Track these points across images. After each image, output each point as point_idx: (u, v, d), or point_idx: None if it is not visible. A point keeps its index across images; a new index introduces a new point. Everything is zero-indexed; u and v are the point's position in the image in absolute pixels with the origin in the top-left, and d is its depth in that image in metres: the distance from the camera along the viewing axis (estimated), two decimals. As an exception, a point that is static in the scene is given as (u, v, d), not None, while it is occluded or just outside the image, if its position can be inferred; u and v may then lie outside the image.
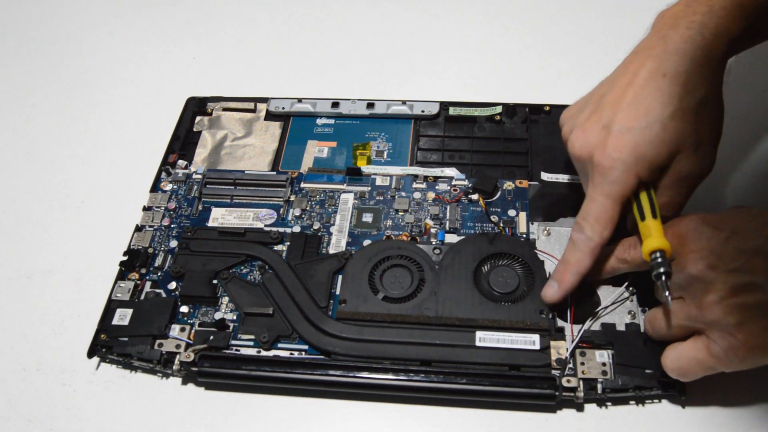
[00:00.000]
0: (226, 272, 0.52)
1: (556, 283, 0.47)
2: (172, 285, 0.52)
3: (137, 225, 0.56)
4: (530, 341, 0.47)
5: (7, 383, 0.50)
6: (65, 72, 0.74)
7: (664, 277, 0.41)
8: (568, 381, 0.45)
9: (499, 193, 0.56)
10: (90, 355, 0.49)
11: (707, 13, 0.43)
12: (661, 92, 0.42)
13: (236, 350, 0.49)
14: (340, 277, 0.51)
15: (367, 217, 0.55)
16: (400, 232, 0.54)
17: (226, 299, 0.51)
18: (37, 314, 0.54)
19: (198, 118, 0.64)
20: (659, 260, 0.41)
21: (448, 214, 0.55)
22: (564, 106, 0.61)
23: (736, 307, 0.40)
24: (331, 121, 0.63)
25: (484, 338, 0.47)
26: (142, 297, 0.52)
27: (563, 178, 0.57)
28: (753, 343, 0.40)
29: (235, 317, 0.50)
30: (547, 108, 0.62)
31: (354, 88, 0.68)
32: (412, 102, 0.63)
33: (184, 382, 0.49)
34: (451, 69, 0.70)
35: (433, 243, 0.53)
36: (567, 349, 0.47)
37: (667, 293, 0.41)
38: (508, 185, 0.56)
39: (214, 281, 0.52)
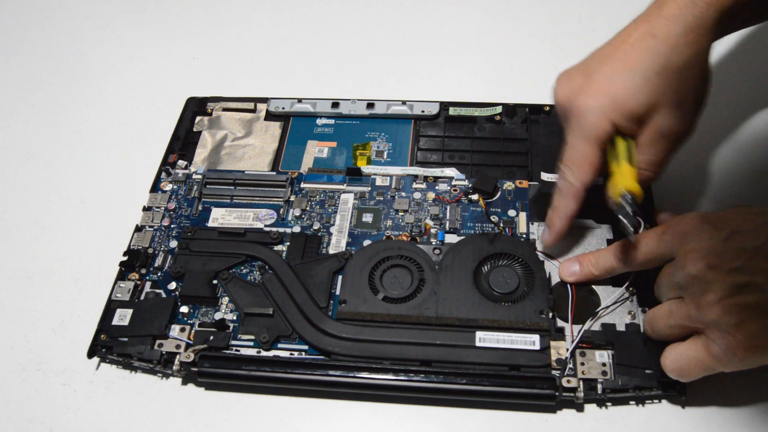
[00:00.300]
0: (226, 272, 0.52)
1: (547, 229, 0.50)
2: (172, 285, 0.52)
3: (137, 225, 0.56)
4: (530, 341, 0.47)
5: (7, 383, 0.50)
6: (65, 72, 0.74)
7: (629, 216, 0.43)
8: (568, 381, 0.45)
9: (499, 194, 0.56)
10: (90, 355, 0.49)
11: None
12: (649, 50, 0.44)
13: (236, 350, 0.49)
14: (340, 277, 0.51)
15: (367, 218, 0.55)
16: (400, 233, 0.54)
17: (226, 299, 0.51)
18: (37, 314, 0.54)
19: (198, 118, 0.64)
20: (629, 200, 0.44)
21: (448, 214, 0.55)
22: (564, 106, 0.62)
23: (735, 307, 0.40)
24: (331, 121, 0.63)
25: (484, 338, 0.47)
26: (142, 297, 0.52)
27: (563, 178, 0.56)
28: (752, 344, 0.40)
29: (235, 317, 0.50)
30: (547, 108, 0.62)
31: (354, 88, 0.68)
32: (412, 102, 0.63)
33: (184, 383, 0.49)
34: (451, 69, 0.70)
35: (433, 243, 0.53)
36: (567, 350, 0.47)
37: (631, 230, 0.44)
38: (508, 185, 0.56)
39: (214, 281, 0.52)
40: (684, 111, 0.45)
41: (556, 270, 0.51)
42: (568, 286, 0.49)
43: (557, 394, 0.45)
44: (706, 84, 0.46)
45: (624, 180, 0.44)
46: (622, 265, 0.47)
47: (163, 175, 0.60)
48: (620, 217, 0.44)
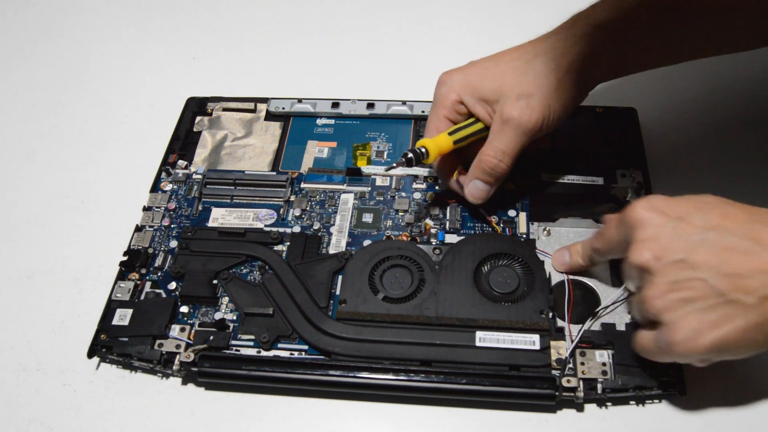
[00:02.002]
0: (226, 272, 0.52)
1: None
2: (172, 285, 0.52)
3: (137, 225, 0.56)
4: (530, 341, 0.47)
5: (7, 383, 0.50)
6: (65, 72, 0.74)
7: (410, 156, 0.49)
8: (568, 381, 0.45)
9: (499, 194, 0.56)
10: (90, 355, 0.49)
11: None
12: (518, 51, 0.50)
13: (236, 350, 0.49)
14: (340, 277, 0.51)
15: (367, 218, 0.55)
16: (400, 233, 0.54)
17: (226, 299, 0.51)
18: (37, 314, 0.54)
19: (198, 118, 0.64)
20: (421, 150, 0.49)
21: (448, 214, 0.55)
22: (564, 106, 0.62)
23: (674, 302, 0.39)
24: (331, 122, 0.63)
25: (484, 338, 0.47)
26: (142, 297, 0.52)
27: (563, 178, 0.57)
28: (697, 341, 0.38)
29: (235, 317, 0.50)
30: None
31: (354, 88, 0.68)
32: (412, 102, 0.63)
33: (184, 383, 0.49)
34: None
35: (433, 243, 0.53)
36: (567, 349, 0.47)
37: (396, 165, 0.49)
38: (508, 185, 0.56)
39: (214, 281, 0.52)
40: (529, 103, 0.48)
41: (556, 270, 0.51)
42: (565, 282, 0.49)
43: (557, 393, 0.45)
44: (560, 77, 0.49)
45: (431, 141, 0.50)
46: (595, 254, 0.47)
47: (163, 175, 0.60)
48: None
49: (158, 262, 0.54)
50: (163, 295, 0.52)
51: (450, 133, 0.51)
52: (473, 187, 0.51)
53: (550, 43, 0.50)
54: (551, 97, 0.49)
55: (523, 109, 0.48)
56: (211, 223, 0.56)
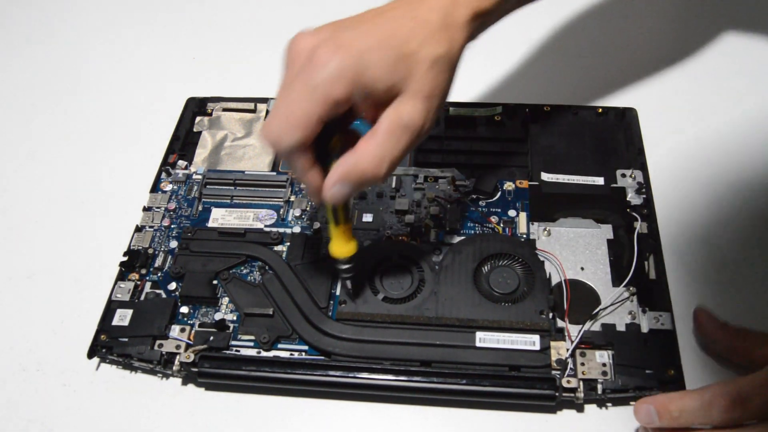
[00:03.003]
0: (226, 273, 0.52)
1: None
2: (172, 285, 0.52)
3: (137, 225, 0.56)
4: (530, 342, 0.47)
5: (7, 383, 0.50)
6: (65, 72, 0.74)
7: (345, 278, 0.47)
8: (568, 381, 0.45)
9: (499, 194, 0.56)
10: (90, 355, 0.49)
11: None
12: (404, 29, 0.40)
13: (236, 351, 0.49)
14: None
15: (367, 218, 0.55)
16: (401, 233, 0.54)
17: (226, 300, 0.51)
18: (37, 314, 0.54)
19: (198, 119, 0.64)
20: (344, 266, 0.46)
21: (448, 214, 0.55)
22: (564, 107, 0.62)
23: None
24: (331, 122, 0.63)
25: (484, 339, 0.47)
26: (142, 297, 0.52)
27: (563, 178, 0.57)
28: None
29: (235, 318, 0.50)
30: (547, 108, 0.62)
31: (354, 88, 0.68)
32: (412, 102, 0.63)
33: (184, 383, 0.49)
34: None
35: (433, 243, 0.53)
36: (567, 350, 0.47)
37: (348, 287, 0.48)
38: (509, 186, 0.56)
39: (214, 282, 0.52)
40: (428, 106, 0.40)
41: (556, 270, 0.51)
42: (563, 282, 0.50)
43: (557, 394, 0.45)
44: (451, 85, 0.43)
45: (337, 247, 0.46)
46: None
47: (163, 175, 0.60)
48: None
49: (158, 262, 0.54)
50: (163, 296, 0.52)
51: (340, 222, 0.44)
52: (337, 191, 0.41)
53: (433, 18, 0.41)
54: (445, 94, 0.42)
55: (425, 114, 0.40)
56: (211, 224, 0.56)
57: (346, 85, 0.38)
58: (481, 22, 0.43)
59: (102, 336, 0.50)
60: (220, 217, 0.56)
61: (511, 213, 0.55)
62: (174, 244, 0.55)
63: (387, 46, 0.39)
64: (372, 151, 0.40)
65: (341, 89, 0.38)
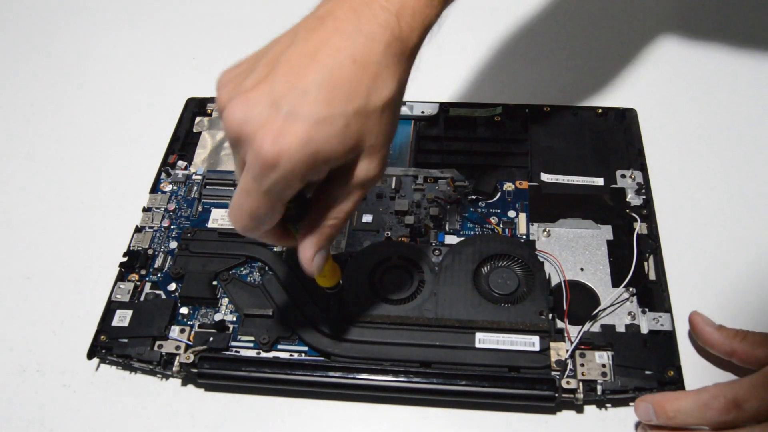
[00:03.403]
0: (226, 273, 0.52)
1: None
2: (172, 286, 0.52)
3: (137, 226, 0.56)
4: (530, 343, 0.47)
5: (6, 384, 0.50)
6: (65, 72, 0.74)
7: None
8: (568, 382, 0.45)
9: (498, 195, 0.56)
10: (90, 356, 0.49)
11: None
12: (348, 81, 0.35)
13: (236, 352, 0.49)
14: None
15: (367, 218, 0.55)
16: (400, 234, 0.54)
17: (225, 300, 0.51)
18: (37, 315, 0.54)
19: (198, 119, 0.64)
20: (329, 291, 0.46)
21: (447, 215, 0.55)
22: (564, 107, 0.62)
23: None
24: (331, 122, 0.63)
25: (484, 340, 0.47)
26: (142, 298, 0.52)
27: (563, 179, 0.57)
28: None
29: (234, 318, 0.50)
30: (547, 108, 0.62)
31: (354, 89, 0.68)
32: (412, 102, 0.63)
33: (184, 384, 0.49)
34: (451, 69, 0.70)
35: (433, 244, 0.53)
36: (567, 351, 0.47)
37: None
38: (508, 186, 0.56)
39: (214, 282, 0.52)
40: (382, 155, 0.38)
41: (555, 271, 0.51)
42: (562, 283, 0.50)
43: (557, 395, 0.45)
44: (398, 116, 0.39)
45: (321, 280, 0.45)
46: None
47: (163, 175, 0.60)
48: None
49: (158, 263, 0.54)
50: (163, 296, 0.52)
51: None
52: (318, 261, 0.39)
53: (375, 57, 0.36)
54: (393, 132, 0.39)
55: (379, 165, 0.38)
56: (210, 224, 0.56)
57: (300, 181, 0.35)
58: (425, 34, 0.39)
59: (102, 337, 0.50)
60: (220, 218, 0.56)
61: (511, 214, 0.55)
62: (174, 244, 0.55)
63: (336, 119, 0.34)
64: (334, 215, 0.38)
65: (297, 186, 0.35)
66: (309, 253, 0.39)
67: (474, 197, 0.56)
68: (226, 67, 0.39)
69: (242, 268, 0.53)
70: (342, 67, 0.35)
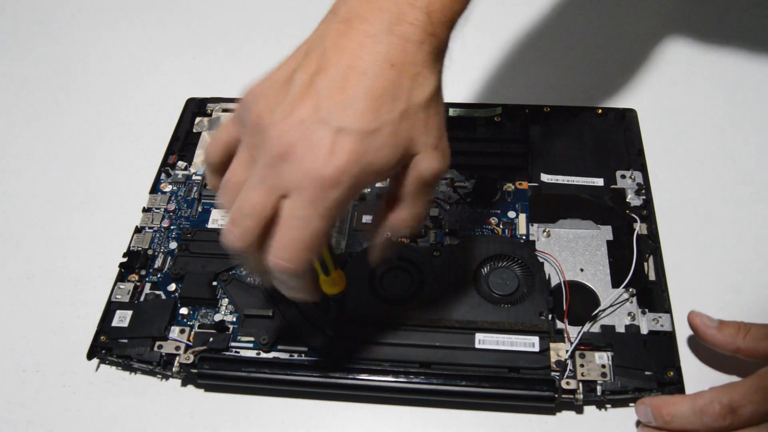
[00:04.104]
0: (226, 274, 0.52)
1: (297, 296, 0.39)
2: (172, 287, 0.52)
3: (137, 226, 0.56)
4: (529, 343, 0.47)
5: (6, 384, 0.50)
6: (65, 72, 0.74)
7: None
8: (568, 383, 0.45)
9: (498, 195, 0.56)
10: (90, 356, 0.49)
11: None
12: (390, 86, 0.34)
13: (236, 352, 0.49)
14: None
15: (367, 219, 0.55)
16: (400, 234, 0.54)
17: (225, 301, 0.51)
18: (37, 315, 0.54)
19: (198, 119, 0.64)
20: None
21: (447, 216, 0.55)
22: (564, 108, 0.62)
23: None
24: (331, 122, 0.63)
25: (484, 340, 0.47)
26: (142, 299, 0.52)
27: (563, 179, 0.57)
28: None
29: (234, 319, 0.50)
30: (547, 108, 0.62)
31: (354, 89, 0.68)
32: (411, 103, 0.63)
33: (184, 384, 0.49)
34: (451, 69, 0.70)
35: (433, 245, 0.53)
36: (566, 351, 0.47)
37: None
38: (508, 187, 0.56)
39: (214, 283, 0.52)
40: (442, 147, 0.37)
41: (555, 271, 0.51)
42: (562, 283, 0.50)
43: (556, 395, 0.45)
44: (443, 109, 0.38)
45: (327, 288, 0.44)
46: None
47: (163, 176, 0.60)
48: None
49: (158, 263, 0.54)
50: (163, 297, 0.52)
51: (331, 272, 0.43)
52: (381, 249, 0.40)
53: (408, 55, 0.36)
54: (444, 121, 0.38)
55: (441, 158, 0.37)
56: (210, 225, 0.56)
57: (355, 192, 0.34)
58: (454, 28, 0.38)
59: (101, 337, 0.50)
60: (220, 218, 0.56)
61: (511, 214, 0.55)
62: (174, 245, 0.55)
63: (381, 114, 0.34)
64: (406, 216, 0.38)
65: (351, 198, 0.35)
66: (377, 251, 0.40)
67: (474, 198, 0.56)
68: (255, 80, 0.39)
69: (242, 269, 0.53)
70: (381, 73, 0.34)
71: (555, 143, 0.59)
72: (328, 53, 0.35)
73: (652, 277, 0.50)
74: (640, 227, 0.52)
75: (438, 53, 0.37)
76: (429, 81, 0.36)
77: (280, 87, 0.36)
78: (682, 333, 0.48)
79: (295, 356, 0.48)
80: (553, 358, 0.46)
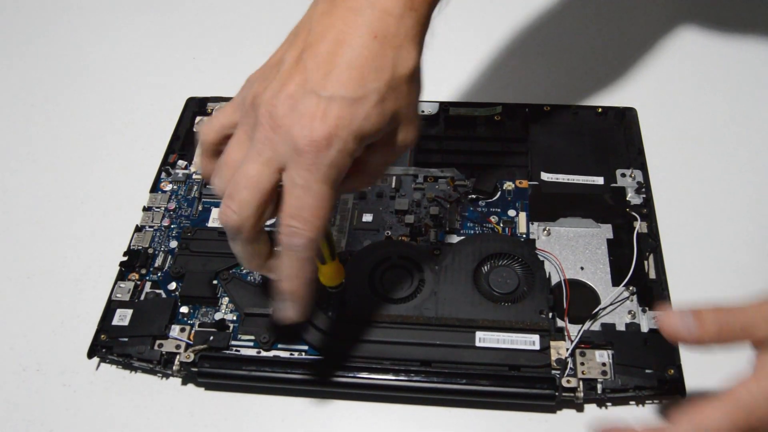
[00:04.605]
0: (226, 272, 0.52)
1: (290, 303, 0.40)
2: (172, 285, 0.52)
3: (137, 225, 0.56)
4: (530, 341, 0.47)
5: (6, 384, 0.50)
6: (65, 72, 0.74)
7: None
8: (568, 381, 0.45)
9: (498, 194, 0.56)
10: (90, 355, 0.49)
11: None
12: (374, 56, 0.36)
13: (236, 351, 0.49)
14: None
15: (367, 218, 0.55)
16: (400, 233, 0.54)
17: (226, 300, 0.51)
18: (37, 314, 0.54)
19: (198, 119, 0.64)
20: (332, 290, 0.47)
21: (447, 214, 0.55)
22: (564, 107, 0.62)
23: None
24: (331, 121, 0.63)
25: (484, 338, 0.47)
26: (142, 297, 0.52)
27: (563, 178, 0.57)
28: None
29: (235, 318, 0.50)
30: (547, 108, 0.62)
31: (354, 88, 0.68)
32: (412, 102, 0.63)
33: (184, 383, 0.49)
34: (452, 68, 0.70)
35: (433, 243, 0.53)
36: (567, 350, 0.47)
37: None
38: (508, 185, 0.56)
39: (214, 281, 0.52)
40: (417, 122, 0.39)
41: (555, 270, 0.51)
42: (562, 282, 0.50)
43: (557, 394, 0.45)
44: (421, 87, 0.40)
45: (325, 279, 0.46)
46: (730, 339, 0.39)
47: (163, 175, 0.60)
48: None
49: (158, 262, 0.54)
50: (163, 296, 0.52)
51: (327, 261, 0.44)
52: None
53: (391, 27, 0.37)
54: (419, 95, 0.40)
55: (414, 130, 0.40)
56: (211, 224, 0.56)
57: (348, 159, 0.36)
58: (435, 5, 0.40)
59: (102, 336, 0.50)
60: (220, 217, 0.56)
61: (511, 213, 0.55)
62: (174, 244, 0.55)
63: (369, 93, 0.36)
64: (375, 172, 0.40)
65: (346, 165, 0.36)
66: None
67: (474, 196, 0.56)
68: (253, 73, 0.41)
69: (242, 268, 0.53)
70: (365, 44, 0.36)
71: (555, 142, 0.59)
72: (314, 31, 0.37)
73: (652, 275, 0.50)
74: (640, 226, 0.52)
75: (419, 28, 0.38)
76: (411, 55, 0.38)
77: (272, 68, 0.38)
78: (683, 331, 0.48)
79: (296, 355, 0.48)
80: (554, 356, 0.46)
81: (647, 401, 0.46)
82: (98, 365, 0.50)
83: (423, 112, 0.62)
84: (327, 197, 0.36)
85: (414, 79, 0.38)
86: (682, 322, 0.36)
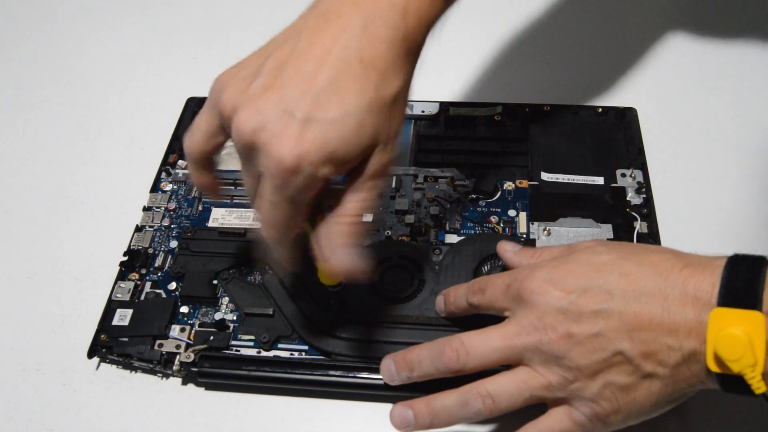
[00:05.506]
0: (226, 272, 0.52)
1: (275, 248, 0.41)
2: (172, 285, 0.52)
3: (137, 225, 0.56)
4: (530, 341, 0.47)
5: (7, 383, 0.50)
6: (65, 72, 0.74)
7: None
8: (568, 381, 0.45)
9: (499, 194, 0.56)
10: (90, 355, 0.49)
11: None
12: (357, 79, 0.35)
13: (236, 351, 0.49)
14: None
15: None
16: (401, 233, 0.54)
17: (226, 300, 0.51)
18: (37, 314, 0.54)
19: (198, 118, 0.64)
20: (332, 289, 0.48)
21: (447, 214, 0.55)
22: (564, 106, 0.62)
23: (598, 377, 0.37)
24: (331, 121, 0.63)
25: (484, 338, 0.47)
26: (142, 297, 0.52)
27: (563, 178, 0.57)
28: (616, 407, 0.37)
29: (235, 318, 0.50)
30: (547, 107, 0.62)
31: (354, 88, 0.68)
32: (412, 102, 0.63)
33: (184, 383, 0.49)
34: (451, 69, 0.70)
35: (434, 243, 0.53)
36: (567, 350, 0.46)
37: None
38: (509, 185, 0.56)
39: (214, 281, 0.52)
40: (394, 144, 0.38)
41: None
42: None
43: (557, 394, 0.45)
44: (405, 106, 0.40)
45: (324, 278, 0.46)
46: (469, 308, 0.44)
47: (163, 175, 0.60)
48: None
49: (158, 262, 0.54)
50: (163, 296, 0.52)
51: None
52: (345, 255, 0.39)
53: (379, 52, 0.37)
54: (402, 123, 0.40)
55: (391, 156, 0.39)
56: (211, 224, 0.56)
57: (318, 182, 0.36)
58: (429, 32, 0.39)
59: (102, 336, 0.50)
60: (220, 217, 0.56)
61: (511, 213, 0.55)
62: (174, 243, 0.55)
63: (348, 118, 0.35)
64: (356, 206, 0.39)
65: (318, 187, 0.36)
66: (332, 244, 0.39)
67: (474, 196, 0.56)
68: (223, 72, 0.41)
69: (242, 267, 0.53)
70: (350, 67, 0.35)
71: (555, 142, 0.59)
72: (301, 44, 0.36)
73: (652, 275, 0.50)
74: (640, 226, 0.52)
75: (410, 54, 0.38)
76: (397, 79, 0.37)
77: (246, 76, 0.38)
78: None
79: (296, 355, 0.48)
80: (554, 356, 0.46)
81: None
82: (98, 365, 0.50)
83: (423, 111, 0.62)
84: (291, 214, 0.37)
85: (397, 104, 0.37)
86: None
